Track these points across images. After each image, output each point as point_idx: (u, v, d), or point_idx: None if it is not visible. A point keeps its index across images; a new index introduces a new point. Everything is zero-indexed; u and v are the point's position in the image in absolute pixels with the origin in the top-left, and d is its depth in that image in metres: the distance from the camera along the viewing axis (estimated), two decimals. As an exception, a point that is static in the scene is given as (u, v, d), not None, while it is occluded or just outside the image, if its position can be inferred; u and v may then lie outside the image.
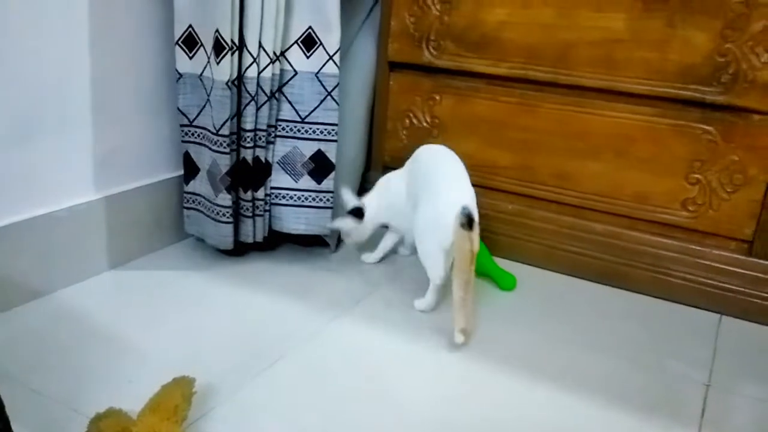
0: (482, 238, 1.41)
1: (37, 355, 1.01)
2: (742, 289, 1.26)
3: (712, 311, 1.29)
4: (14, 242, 1.10)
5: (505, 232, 1.45)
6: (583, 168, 1.37)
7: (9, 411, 0.67)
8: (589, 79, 1.31)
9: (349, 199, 1.33)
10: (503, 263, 1.40)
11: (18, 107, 1.08)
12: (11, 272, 1.11)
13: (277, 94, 1.30)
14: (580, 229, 1.39)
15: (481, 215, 1.46)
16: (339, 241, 1.46)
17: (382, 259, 1.41)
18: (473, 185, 1.47)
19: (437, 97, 1.48)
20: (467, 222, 1.11)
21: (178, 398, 0.85)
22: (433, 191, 1.20)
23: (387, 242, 1.40)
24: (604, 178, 1.35)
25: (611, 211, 1.36)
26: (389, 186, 1.35)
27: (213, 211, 1.29)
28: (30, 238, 1.13)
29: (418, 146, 1.50)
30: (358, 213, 1.33)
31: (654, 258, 1.33)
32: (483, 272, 1.37)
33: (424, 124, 1.50)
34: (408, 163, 1.33)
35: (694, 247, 1.30)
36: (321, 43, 1.28)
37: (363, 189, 1.57)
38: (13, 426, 0.68)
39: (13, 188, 1.10)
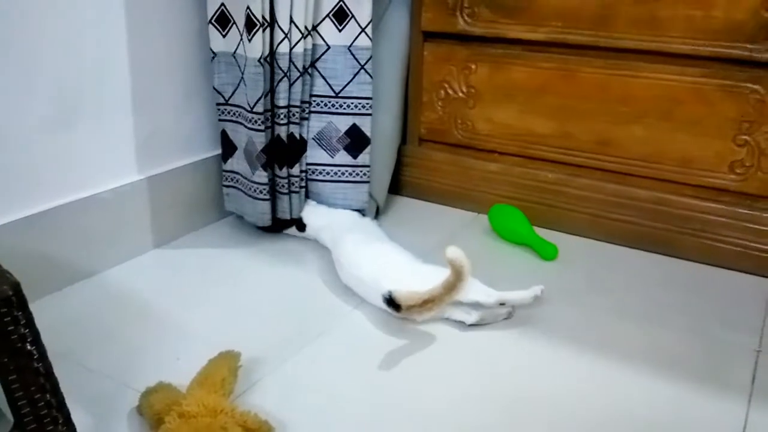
0: (522, 208, 1.40)
1: (88, 333, 1.04)
2: (795, 253, 1.22)
3: (762, 276, 1.25)
4: (61, 224, 1.13)
5: (546, 201, 1.43)
6: (626, 133, 1.33)
7: (63, 387, 0.69)
8: (630, 40, 1.27)
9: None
10: (544, 233, 1.38)
11: (60, 93, 1.10)
12: (59, 254, 1.14)
13: (310, 70, 1.29)
14: (624, 196, 1.36)
15: (520, 185, 1.45)
16: (377, 213, 1.46)
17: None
18: (514, 155, 1.46)
19: (473, 66, 1.45)
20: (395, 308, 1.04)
21: (224, 372, 0.86)
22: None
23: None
24: (649, 142, 1.31)
25: (656, 176, 1.33)
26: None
27: (250, 189, 1.30)
28: (76, 219, 1.15)
29: (454, 117, 1.49)
30: (300, 225, 1.34)
31: (701, 223, 1.29)
32: (524, 243, 1.35)
33: (460, 94, 1.48)
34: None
35: (742, 210, 1.26)
36: (353, 16, 1.26)
37: (399, 163, 1.57)
38: (68, 402, 0.70)
39: (58, 172, 1.13)
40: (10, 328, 0.64)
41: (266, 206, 1.30)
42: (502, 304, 1.08)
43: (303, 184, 1.35)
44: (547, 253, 1.31)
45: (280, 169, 1.30)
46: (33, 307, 0.66)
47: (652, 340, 1.05)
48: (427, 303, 1.00)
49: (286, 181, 1.31)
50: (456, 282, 0.98)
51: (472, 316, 1.06)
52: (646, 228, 1.34)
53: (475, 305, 1.07)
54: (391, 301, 1.03)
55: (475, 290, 1.05)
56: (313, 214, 1.35)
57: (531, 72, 1.39)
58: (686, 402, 0.91)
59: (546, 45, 1.36)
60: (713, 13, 1.18)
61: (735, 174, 1.25)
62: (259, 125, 1.24)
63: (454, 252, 0.97)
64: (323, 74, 1.30)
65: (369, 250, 1.17)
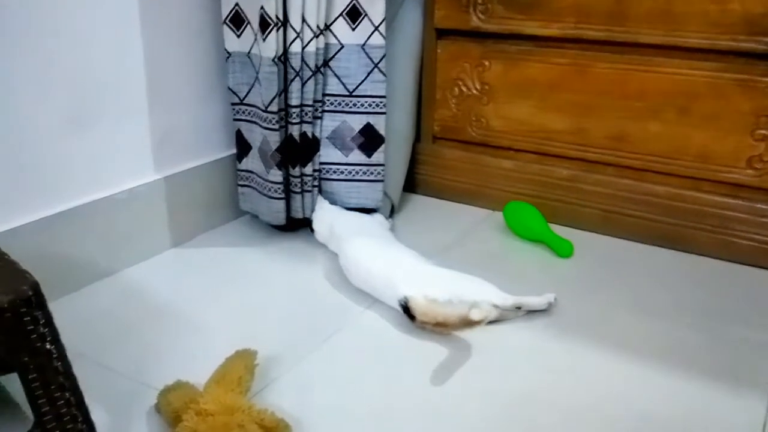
0: (537, 204, 1.39)
1: (107, 332, 1.05)
2: (815, 249, 1.21)
3: (781, 272, 1.24)
4: (80, 225, 1.14)
5: (561, 198, 1.42)
6: (642, 128, 1.32)
7: (82, 386, 0.70)
8: (645, 35, 1.26)
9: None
10: (559, 230, 1.37)
11: (76, 96, 1.11)
12: (78, 253, 1.15)
13: (323, 69, 1.29)
14: (639, 192, 1.35)
15: (535, 182, 1.44)
16: (391, 212, 1.46)
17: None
18: (528, 152, 1.45)
19: (487, 63, 1.45)
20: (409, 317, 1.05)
21: (241, 370, 0.87)
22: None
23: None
24: (665, 138, 1.30)
25: (673, 172, 1.31)
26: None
27: (265, 188, 1.31)
28: (94, 220, 1.17)
29: (468, 115, 1.49)
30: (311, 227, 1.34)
31: (718, 219, 1.28)
32: (539, 239, 1.35)
33: (474, 91, 1.48)
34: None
35: (761, 206, 1.24)
36: (366, 14, 1.26)
37: (413, 161, 1.57)
38: (87, 400, 0.71)
39: (76, 173, 1.14)
40: (29, 328, 0.65)
41: (281, 205, 1.31)
42: (518, 308, 1.09)
43: (316, 183, 1.35)
44: (562, 250, 1.30)
45: (293, 168, 1.31)
46: (52, 306, 0.67)
47: (669, 337, 1.05)
48: (440, 326, 1.02)
49: (299, 180, 1.32)
50: (473, 324, 0.99)
51: (491, 314, 1.06)
52: (663, 224, 1.33)
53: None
54: (407, 309, 1.03)
55: (491, 294, 1.07)
56: (319, 221, 1.32)
57: (545, 68, 1.38)
58: (704, 399, 0.91)
59: (560, 41, 1.35)
60: (730, 7, 1.17)
61: (753, 169, 1.24)
62: (274, 124, 1.25)
63: (478, 314, 0.97)
64: (337, 73, 1.30)
65: (376, 253, 1.16)
